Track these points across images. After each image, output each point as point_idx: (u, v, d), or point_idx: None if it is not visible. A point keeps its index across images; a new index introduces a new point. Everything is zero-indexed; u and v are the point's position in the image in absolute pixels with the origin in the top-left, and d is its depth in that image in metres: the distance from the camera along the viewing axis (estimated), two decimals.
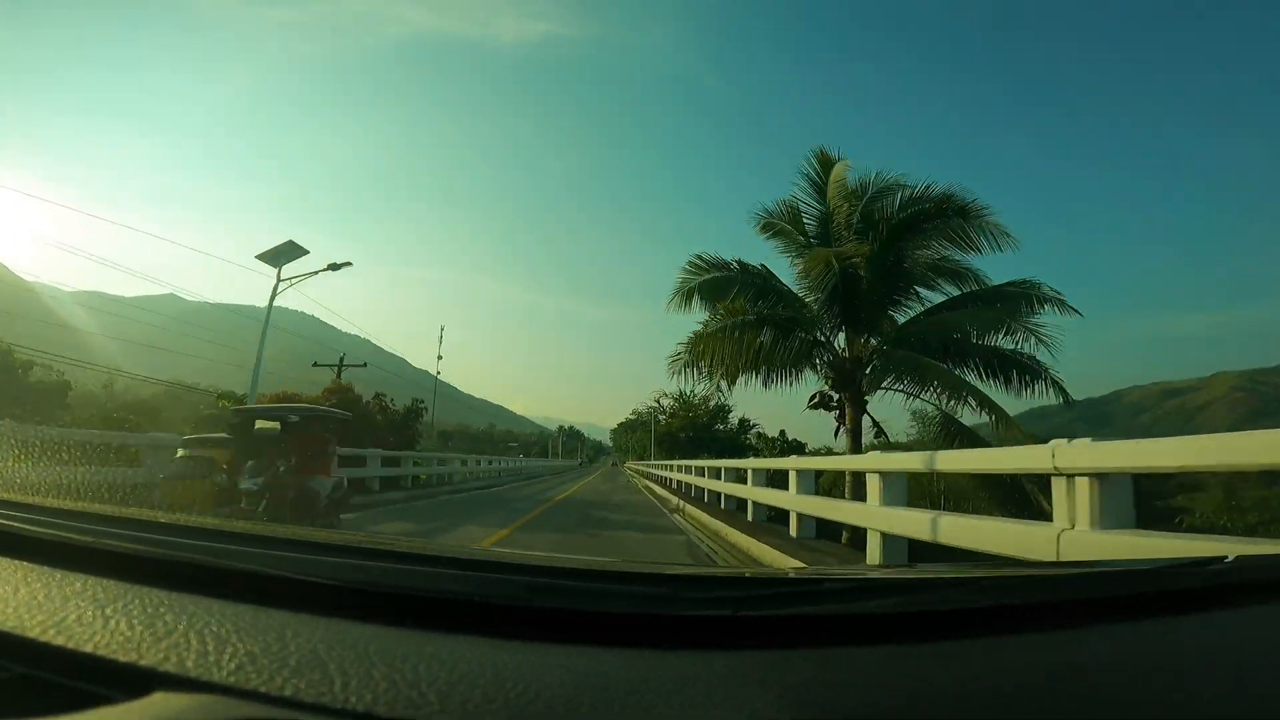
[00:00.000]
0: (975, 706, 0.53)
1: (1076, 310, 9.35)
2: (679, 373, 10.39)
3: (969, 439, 9.01)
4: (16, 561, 0.78)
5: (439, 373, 39.05)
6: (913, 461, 5.17)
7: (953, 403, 8.84)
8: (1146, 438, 2.80)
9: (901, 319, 10.14)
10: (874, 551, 5.09)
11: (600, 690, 0.52)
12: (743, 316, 9.58)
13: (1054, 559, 2.92)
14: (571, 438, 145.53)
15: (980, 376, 9.08)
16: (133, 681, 0.52)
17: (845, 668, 0.57)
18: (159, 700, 0.50)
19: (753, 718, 0.48)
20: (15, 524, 0.89)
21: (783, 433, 36.58)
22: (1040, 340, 8.88)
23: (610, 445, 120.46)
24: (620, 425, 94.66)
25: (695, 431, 42.32)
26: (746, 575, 1.12)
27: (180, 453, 7.54)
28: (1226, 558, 0.90)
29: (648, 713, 0.49)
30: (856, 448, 9.17)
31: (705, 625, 0.67)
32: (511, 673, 0.53)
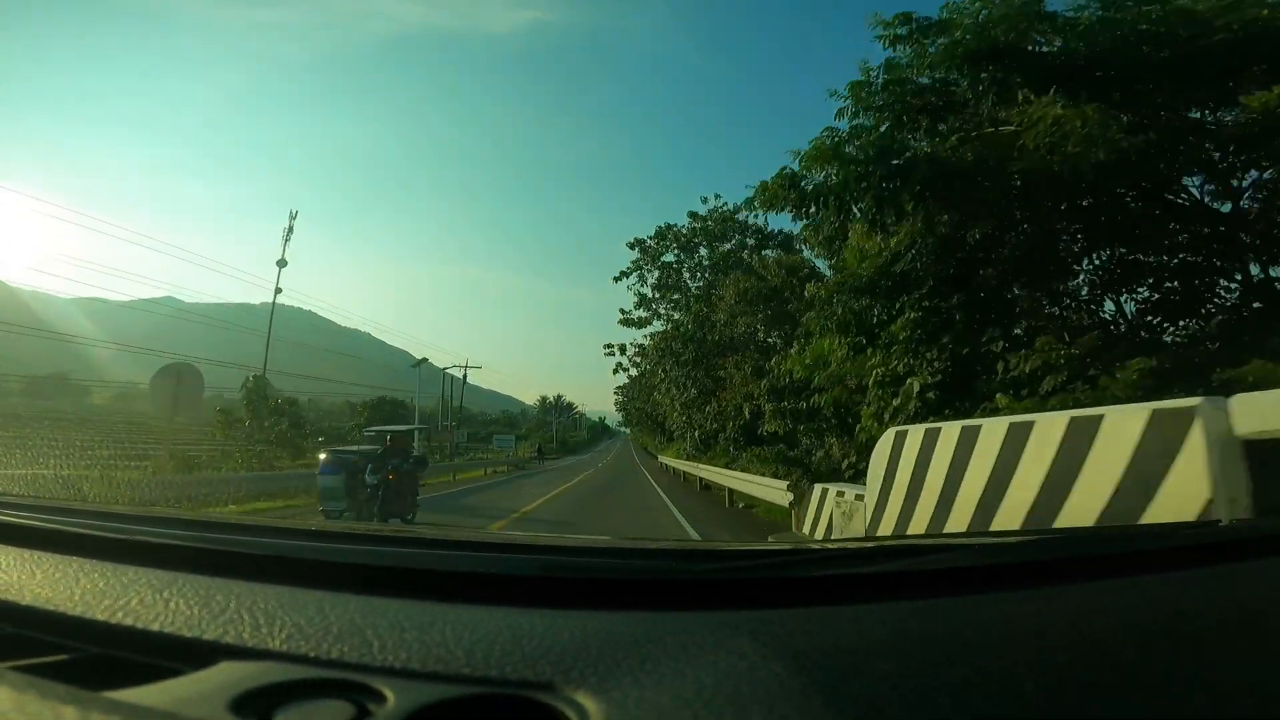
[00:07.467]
0: (943, 652, 0.57)
1: None
2: None
3: None
4: (71, 557, 0.83)
5: (278, 291, 24.19)
6: None
7: None
8: None
9: None
10: None
11: (607, 644, 0.57)
12: None
13: None
14: (558, 411, 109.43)
15: None
16: (198, 654, 0.58)
17: (827, 621, 0.63)
18: (225, 668, 0.55)
19: (741, 661, 0.53)
20: (63, 525, 0.95)
21: None
22: None
23: (620, 425, 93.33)
24: (640, 346, 38.46)
25: None
26: (740, 548, 1.19)
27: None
28: (1220, 520, 0.94)
29: (648, 659, 0.54)
30: None
31: (703, 589, 0.74)
32: (527, 633, 0.59)
